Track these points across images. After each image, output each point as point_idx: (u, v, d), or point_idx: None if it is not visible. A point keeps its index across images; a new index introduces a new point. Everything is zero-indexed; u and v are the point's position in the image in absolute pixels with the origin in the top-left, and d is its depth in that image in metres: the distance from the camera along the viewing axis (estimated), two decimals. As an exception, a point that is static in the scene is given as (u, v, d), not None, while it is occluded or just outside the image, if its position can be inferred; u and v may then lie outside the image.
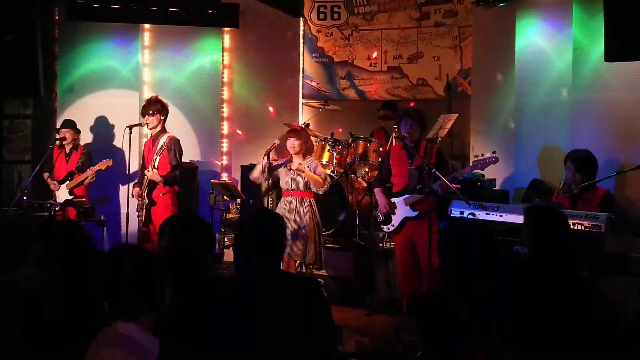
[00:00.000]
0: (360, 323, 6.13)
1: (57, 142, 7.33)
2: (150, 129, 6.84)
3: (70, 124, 7.41)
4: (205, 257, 3.40)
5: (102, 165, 7.05)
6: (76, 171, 7.26)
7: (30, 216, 6.73)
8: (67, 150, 7.37)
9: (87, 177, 7.13)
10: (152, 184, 6.67)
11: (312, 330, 2.99)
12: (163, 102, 6.86)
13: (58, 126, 7.59)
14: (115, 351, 2.41)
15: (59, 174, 7.34)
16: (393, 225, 5.93)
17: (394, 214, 5.90)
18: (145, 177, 6.68)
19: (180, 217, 3.59)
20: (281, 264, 3.43)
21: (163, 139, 6.71)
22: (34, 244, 3.42)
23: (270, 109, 8.93)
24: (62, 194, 7.20)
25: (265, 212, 3.65)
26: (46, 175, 7.40)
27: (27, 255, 3.35)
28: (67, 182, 7.20)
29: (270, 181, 6.37)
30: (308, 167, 6.21)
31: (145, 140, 7.39)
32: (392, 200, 5.94)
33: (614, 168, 5.69)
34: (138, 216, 6.81)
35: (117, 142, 8.01)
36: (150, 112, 6.74)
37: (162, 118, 6.80)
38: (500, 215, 5.04)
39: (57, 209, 6.97)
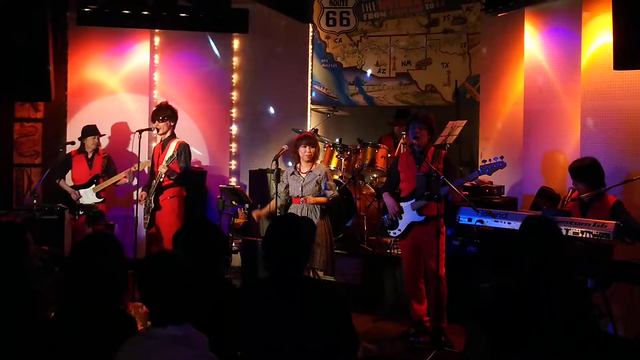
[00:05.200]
0: (368, 329, 6.11)
1: (77, 149, 7.37)
2: (160, 134, 6.89)
3: (93, 131, 7.42)
4: (220, 262, 3.44)
5: (142, 165, 7.05)
6: (103, 174, 7.32)
7: (39, 219, 6.75)
8: (90, 156, 7.41)
9: (120, 178, 7.24)
10: (159, 189, 6.70)
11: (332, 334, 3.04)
12: (173, 108, 6.92)
13: (68, 131, 7.66)
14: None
15: (80, 179, 7.36)
16: (399, 230, 5.92)
17: (401, 218, 5.90)
18: (154, 182, 6.71)
19: (193, 227, 3.59)
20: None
21: (173, 145, 6.75)
22: (32, 245, 3.41)
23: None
24: (88, 198, 7.30)
25: (288, 218, 3.63)
26: (62, 182, 7.42)
27: (24, 254, 3.35)
28: (93, 185, 7.26)
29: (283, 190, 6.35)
30: (319, 175, 6.19)
31: (154, 144, 7.43)
32: (400, 204, 5.94)
33: (623, 176, 5.67)
34: (144, 218, 6.84)
35: (126, 147, 8.06)
36: (161, 117, 6.80)
37: (172, 124, 6.86)
38: (509, 223, 5.04)
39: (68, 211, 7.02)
